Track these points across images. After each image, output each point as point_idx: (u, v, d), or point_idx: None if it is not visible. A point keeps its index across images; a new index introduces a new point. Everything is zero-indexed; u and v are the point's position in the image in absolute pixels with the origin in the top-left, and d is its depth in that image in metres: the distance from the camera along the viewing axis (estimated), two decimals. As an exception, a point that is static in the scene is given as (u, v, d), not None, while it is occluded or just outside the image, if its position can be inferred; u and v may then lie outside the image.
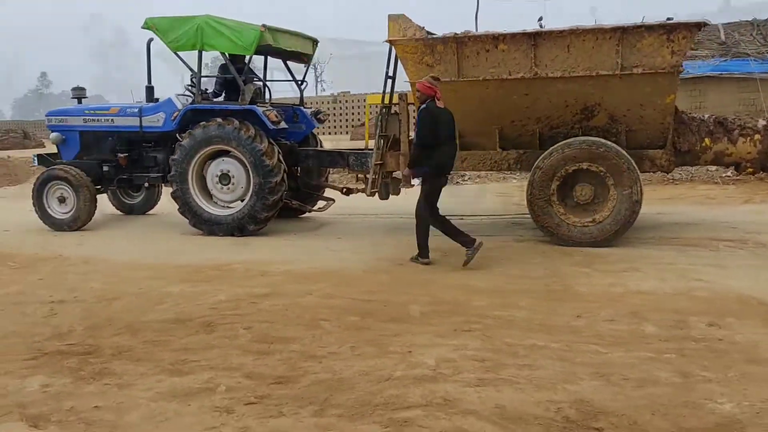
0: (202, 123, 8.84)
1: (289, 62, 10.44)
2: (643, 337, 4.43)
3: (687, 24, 7.02)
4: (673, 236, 7.79)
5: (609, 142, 7.31)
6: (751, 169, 7.94)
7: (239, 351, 4.44)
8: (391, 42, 7.84)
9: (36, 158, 10.44)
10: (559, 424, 3.24)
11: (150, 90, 9.98)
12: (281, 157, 8.79)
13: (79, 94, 10.67)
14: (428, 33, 8.12)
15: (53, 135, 10.21)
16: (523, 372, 3.88)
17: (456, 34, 7.60)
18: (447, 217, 6.85)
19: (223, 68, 9.52)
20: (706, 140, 7.85)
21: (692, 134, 7.88)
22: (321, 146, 10.41)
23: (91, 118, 10.01)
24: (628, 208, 7.20)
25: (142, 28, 9.07)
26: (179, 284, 6.32)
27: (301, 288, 6.05)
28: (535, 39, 7.37)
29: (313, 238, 8.76)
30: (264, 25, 8.61)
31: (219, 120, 8.74)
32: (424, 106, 6.73)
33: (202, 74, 9.22)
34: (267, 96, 10.28)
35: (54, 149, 10.47)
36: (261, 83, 9.98)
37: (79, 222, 9.62)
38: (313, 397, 3.64)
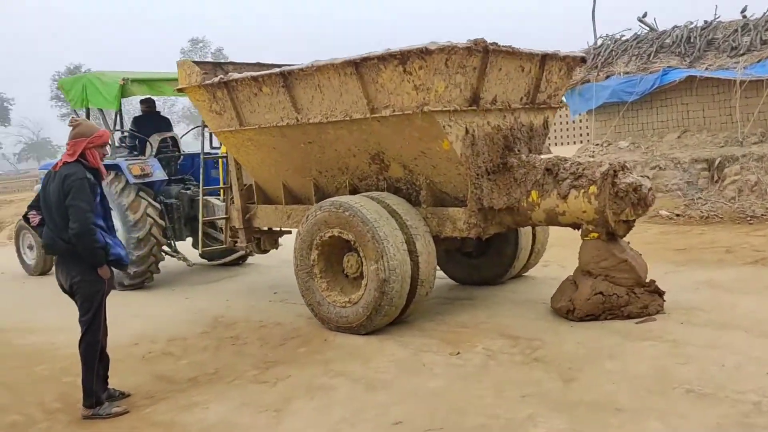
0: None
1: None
2: None
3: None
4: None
5: (356, 204, 5.71)
6: (595, 234, 5.59)
7: None
8: (180, 90, 7.15)
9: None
10: None
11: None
12: (150, 211, 8.51)
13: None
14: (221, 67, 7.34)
15: (37, 187, 11.26)
16: None
17: (222, 78, 6.62)
18: None
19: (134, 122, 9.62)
20: (533, 194, 5.75)
21: (516, 186, 5.82)
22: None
23: (60, 170, 10.82)
24: (377, 288, 5.55)
25: (57, 89, 9.59)
26: None
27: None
28: (286, 79, 6.10)
29: (180, 291, 8.40)
30: (124, 79, 8.45)
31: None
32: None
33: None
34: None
35: (45, 199, 11.54)
36: (171, 134, 9.74)
37: (38, 268, 10.40)
38: None
